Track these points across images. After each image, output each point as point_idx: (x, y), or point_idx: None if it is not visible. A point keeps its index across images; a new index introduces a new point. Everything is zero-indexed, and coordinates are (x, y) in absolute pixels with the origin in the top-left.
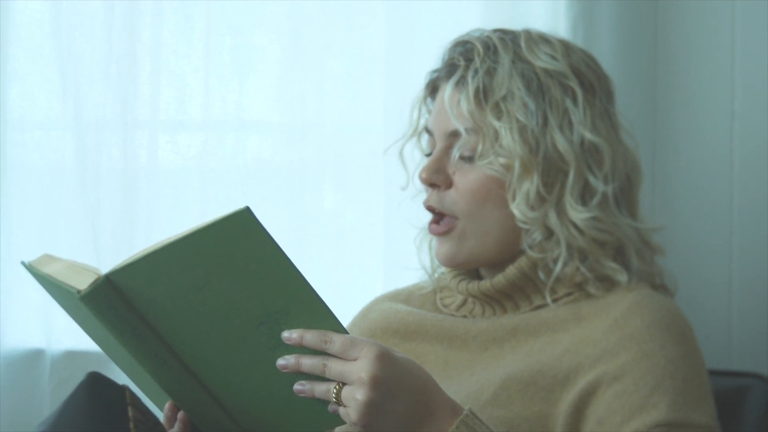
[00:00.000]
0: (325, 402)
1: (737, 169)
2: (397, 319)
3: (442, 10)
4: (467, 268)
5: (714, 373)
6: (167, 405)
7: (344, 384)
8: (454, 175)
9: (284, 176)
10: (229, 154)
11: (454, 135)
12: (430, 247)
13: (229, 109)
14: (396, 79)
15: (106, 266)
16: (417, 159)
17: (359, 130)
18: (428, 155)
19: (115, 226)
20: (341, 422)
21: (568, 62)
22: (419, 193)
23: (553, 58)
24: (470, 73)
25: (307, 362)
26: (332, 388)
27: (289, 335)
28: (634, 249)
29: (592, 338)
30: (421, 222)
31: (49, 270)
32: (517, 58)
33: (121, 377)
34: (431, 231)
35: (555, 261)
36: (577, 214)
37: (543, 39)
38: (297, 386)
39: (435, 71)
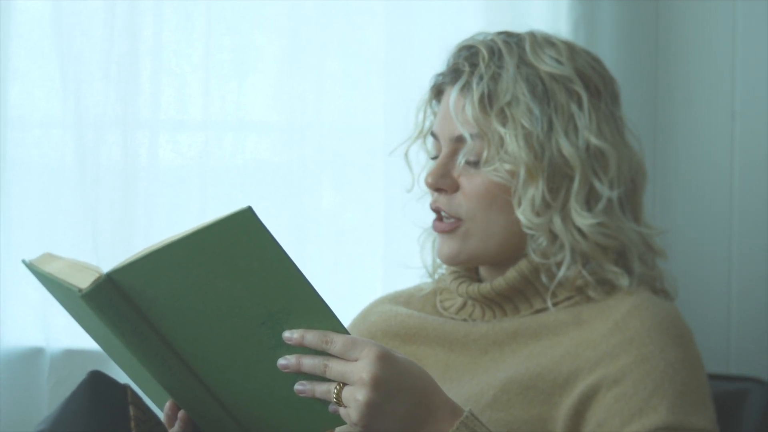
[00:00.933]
0: (325, 402)
1: (738, 170)
2: (398, 322)
3: (441, 10)
4: (468, 266)
5: (713, 377)
6: (168, 404)
7: (345, 384)
8: (459, 179)
9: (283, 176)
10: (228, 154)
11: (460, 140)
12: (433, 247)
13: (228, 109)
14: (395, 79)
15: (105, 265)
16: (422, 161)
17: (358, 130)
18: (434, 158)
19: (115, 225)
20: (342, 422)
21: (573, 66)
22: (424, 195)
23: (558, 61)
24: (475, 79)
25: (308, 362)
26: (333, 388)
27: (290, 335)
28: (637, 253)
29: (592, 341)
30: (425, 222)
31: (49, 268)
32: (522, 62)
33: (121, 376)
34: (435, 228)
35: (558, 265)
36: (583, 220)
37: (548, 42)
38: (298, 386)
39: (440, 75)
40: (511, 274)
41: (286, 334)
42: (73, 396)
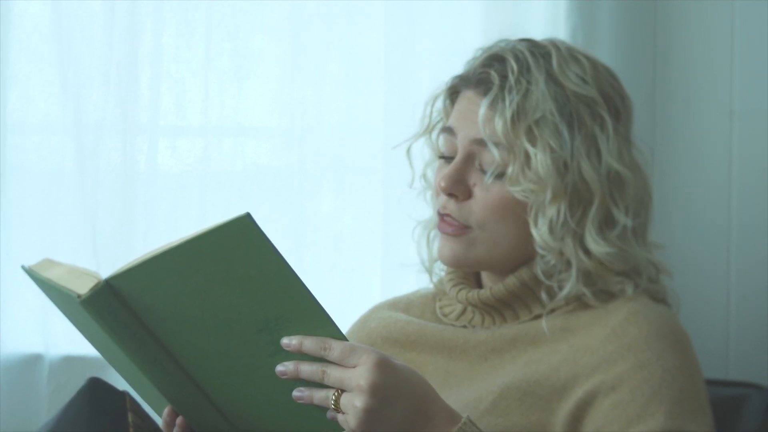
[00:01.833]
0: (323, 409)
1: (736, 173)
2: (398, 329)
3: (441, 13)
4: (469, 271)
5: (711, 383)
6: (166, 410)
7: (343, 391)
8: (474, 186)
9: (283, 181)
10: (228, 159)
11: (480, 143)
12: (428, 242)
13: (228, 114)
14: (395, 82)
15: (104, 270)
16: (425, 157)
17: (358, 134)
18: (441, 157)
19: (114, 230)
20: (340, 429)
21: (597, 86)
22: (422, 191)
23: (584, 81)
24: (507, 94)
25: (306, 369)
26: (331, 394)
27: (289, 342)
28: (646, 276)
29: (589, 348)
30: (420, 215)
31: (49, 274)
32: (550, 78)
33: (120, 383)
34: (440, 229)
35: (561, 284)
36: (598, 247)
37: (572, 56)
38: (296, 393)
39: (459, 78)
40: (511, 280)
41: (285, 341)
42: (71, 403)
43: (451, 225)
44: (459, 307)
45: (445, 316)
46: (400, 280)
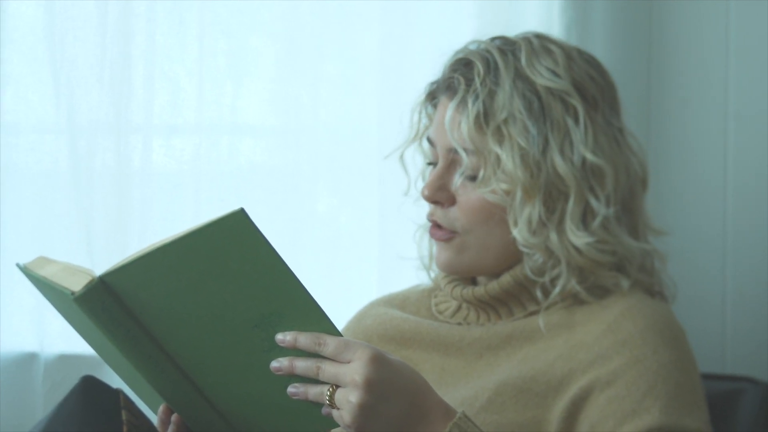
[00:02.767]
0: (318, 404)
1: (732, 171)
2: (393, 326)
3: (436, 13)
4: (466, 276)
5: (707, 377)
6: (161, 408)
7: (338, 386)
8: (456, 192)
9: (278, 180)
10: (222, 158)
11: (456, 152)
12: (430, 242)
13: (222, 113)
14: (390, 82)
15: (99, 269)
16: (419, 163)
17: (353, 133)
18: (429, 163)
19: (109, 229)
20: (335, 425)
21: (570, 76)
22: (420, 197)
23: (555, 73)
24: (470, 97)
25: (301, 365)
26: (326, 390)
27: (283, 337)
28: (636, 265)
29: (585, 343)
30: (421, 219)
31: (43, 272)
32: (518, 76)
33: (114, 381)
34: (432, 235)
35: (554, 281)
36: (578, 239)
37: (545, 49)
38: (291, 389)
39: (434, 83)
40: (506, 278)
41: (279, 337)
42: (65, 401)
43: (439, 231)
44: (454, 305)
45: (440, 313)
46: (396, 278)
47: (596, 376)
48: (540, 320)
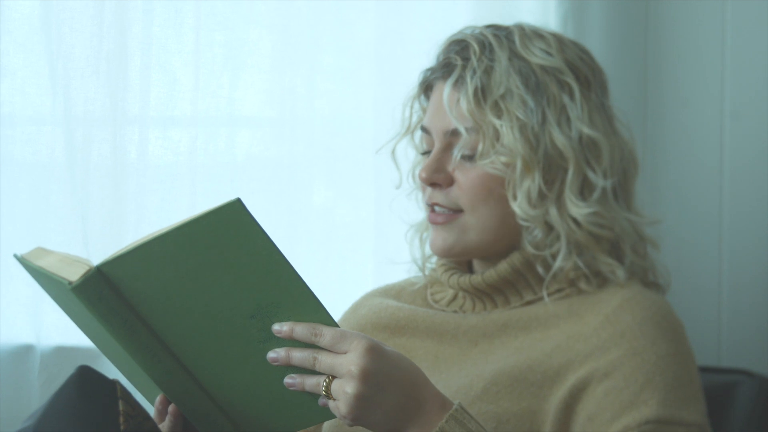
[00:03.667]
0: (315, 395)
1: (728, 164)
2: (388, 315)
3: (432, 5)
4: (460, 260)
5: (703, 370)
6: (158, 398)
7: (334, 377)
8: (454, 172)
9: (274, 172)
10: (219, 150)
11: (454, 134)
12: (421, 241)
13: (219, 105)
14: (386, 74)
15: (96, 261)
16: (411, 157)
17: (350, 125)
18: (424, 153)
19: (105, 221)
20: (331, 415)
21: (562, 57)
22: (413, 191)
23: (548, 53)
24: (468, 73)
25: (298, 355)
26: (322, 381)
27: (280, 328)
28: (630, 243)
29: (582, 334)
30: (412, 218)
31: (41, 263)
32: (513, 55)
33: (110, 373)
34: (431, 220)
35: (554, 256)
36: (578, 209)
37: (536, 34)
38: (287, 379)
39: (429, 70)
40: (503, 266)
41: (276, 327)
42: (61, 390)
43: (441, 214)
44: (450, 293)
45: (436, 302)
46: (391, 270)
47: (594, 367)
48: (544, 293)
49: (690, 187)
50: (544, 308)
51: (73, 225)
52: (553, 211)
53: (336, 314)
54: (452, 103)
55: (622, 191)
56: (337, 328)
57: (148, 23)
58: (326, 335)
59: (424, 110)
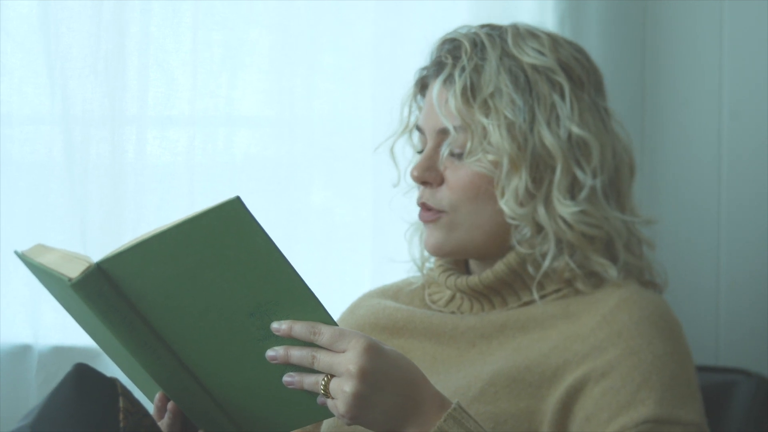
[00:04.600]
0: (313, 394)
1: (725, 166)
2: (386, 315)
3: (431, 5)
4: (455, 258)
5: (701, 369)
6: (158, 395)
7: (333, 376)
8: (445, 171)
9: (272, 171)
10: (217, 150)
11: (444, 133)
12: (420, 240)
13: (217, 104)
14: (385, 73)
15: (94, 260)
16: (408, 156)
17: (348, 125)
18: (419, 152)
19: (103, 220)
20: (330, 414)
21: (555, 57)
22: (411, 189)
23: (541, 53)
24: (457, 71)
25: (296, 353)
26: (321, 379)
27: (279, 326)
28: (623, 242)
29: (580, 335)
30: (412, 217)
31: (41, 259)
32: (505, 54)
33: (108, 372)
34: (421, 218)
35: (544, 256)
36: (565, 208)
37: (530, 34)
38: (286, 378)
39: (423, 69)
40: (500, 266)
41: (275, 325)
42: (58, 389)
43: (429, 212)
44: (448, 294)
45: (434, 302)
46: (390, 270)
47: (591, 367)
48: (534, 291)
49: (688, 187)
50: (542, 309)
51: (72, 224)
52: (542, 210)
53: (334, 314)
54: (441, 102)
55: (614, 191)
56: (336, 327)
57: (146, 23)
58: (325, 334)
59: (420, 109)
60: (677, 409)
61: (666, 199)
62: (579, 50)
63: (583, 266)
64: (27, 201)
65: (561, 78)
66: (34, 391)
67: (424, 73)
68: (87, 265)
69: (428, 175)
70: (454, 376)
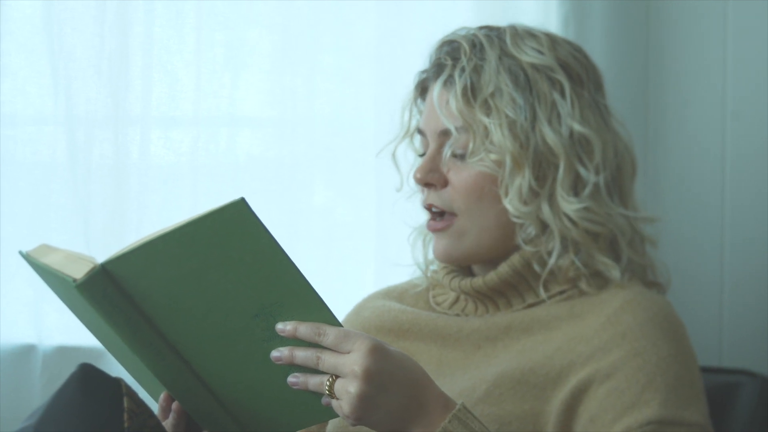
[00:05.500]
0: (318, 394)
1: (729, 166)
2: (391, 318)
3: (432, 5)
4: (463, 265)
5: (705, 370)
6: (162, 395)
7: (338, 377)
8: (448, 173)
9: (275, 172)
10: (220, 150)
11: (446, 134)
12: (424, 244)
13: (220, 105)
14: (387, 74)
15: (99, 261)
16: (410, 160)
17: (350, 125)
18: (421, 155)
19: (107, 221)
20: (334, 415)
21: (554, 55)
22: (414, 194)
23: (540, 52)
24: (457, 72)
25: (301, 354)
26: (325, 380)
27: (284, 327)
28: (626, 240)
29: (584, 336)
30: (416, 221)
31: (46, 260)
32: (504, 54)
33: (113, 371)
34: (430, 228)
35: (549, 254)
36: (569, 205)
37: (529, 34)
38: (291, 378)
39: (423, 72)
40: (503, 268)
41: (279, 326)
42: (62, 389)
43: (438, 222)
44: (452, 296)
45: (438, 305)
46: (392, 271)
47: (596, 368)
48: (540, 289)
49: (691, 186)
50: (546, 310)
51: (75, 225)
52: (546, 208)
53: (338, 315)
54: (442, 103)
55: (616, 188)
56: (341, 328)
57: (150, 23)
58: (330, 335)
59: (421, 113)
60: (681, 411)
61: (669, 198)
62: (578, 49)
63: (588, 265)
64: (30, 201)
65: (560, 76)
66: (39, 392)
67: (424, 76)
68: (92, 265)
69: (431, 177)
70: (460, 378)
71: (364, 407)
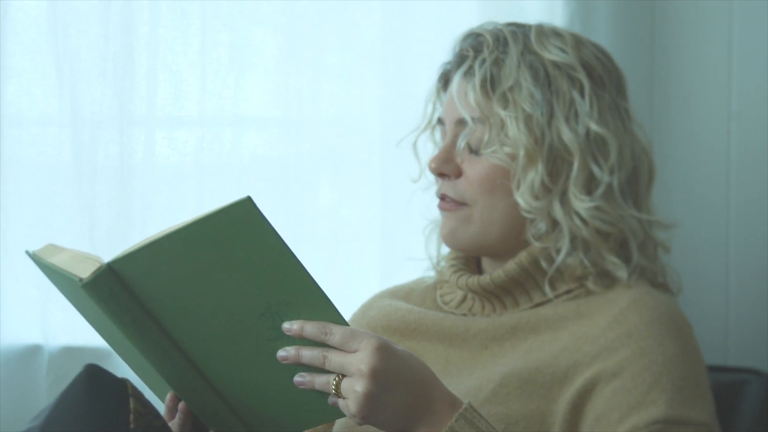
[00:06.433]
0: (324, 394)
1: (734, 167)
2: (398, 317)
3: (438, 5)
4: (469, 254)
5: (711, 369)
6: (168, 395)
7: (344, 376)
8: (462, 164)
9: (280, 172)
10: (225, 150)
11: (462, 123)
12: (438, 238)
13: (225, 105)
14: (392, 74)
15: (106, 260)
16: (430, 152)
17: (355, 125)
18: None
19: (112, 222)
20: (341, 414)
21: (577, 55)
22: (431, 185)
23: (563, 51)
24: (478, 64)
25: (307, 354)
26: (332, 379)
27: (290, 326)
28: (637, 243)
29: (590, 335)
30: (432, 214)
31: (52, 259)
32: (526, 50)
33: (119, 372)
34: (440, 207)
35: (558, 251)
36: (581, 203)
37: (554, 33)
38: (297, 378)
39: (447, 63)
40: (511, 266)
41: (286, 326)
42: (68, 389)
43: (449, 202)
44: (459, 295)
45: (445, 304)
46: (399, 271)
47: (602, 368)
48: (546, 287)
49: (697, 187)
50: (553, 309)
51: (80, 226)
52: (557, 205)
53: (344, 314)
54: (461, 94)
55: (631, 191)
56: (347, 327)
57: (155, 24)
58: (336, 334)
59: (443, 104)
60: (688, 410)
61: (675, 199)
62: (603, 52)
63: (597, 264)
64: (35, 202)
65: (581, 76)
66: (44, 392)
67: (447, 67)
68: (98, 265)
69: (446, 167)
70: (466, 378)
71: (371, 406)
